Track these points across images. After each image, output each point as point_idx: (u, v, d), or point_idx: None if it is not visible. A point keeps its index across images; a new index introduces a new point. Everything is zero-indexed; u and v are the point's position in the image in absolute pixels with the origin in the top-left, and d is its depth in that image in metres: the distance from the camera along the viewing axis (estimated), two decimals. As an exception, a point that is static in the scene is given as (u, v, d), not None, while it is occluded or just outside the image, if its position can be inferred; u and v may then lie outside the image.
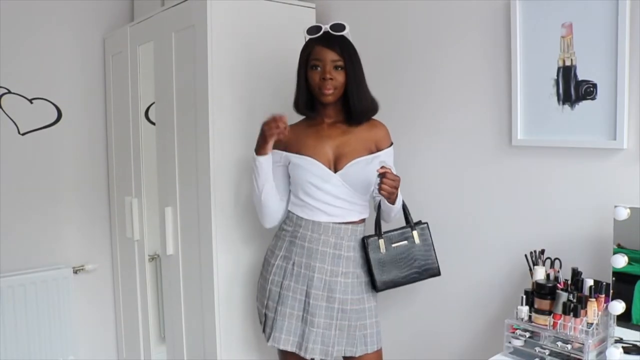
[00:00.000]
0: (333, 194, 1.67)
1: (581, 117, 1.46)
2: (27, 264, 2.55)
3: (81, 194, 2.72)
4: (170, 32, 2.09)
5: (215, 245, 1.95)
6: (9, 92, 2.49)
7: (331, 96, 1.65)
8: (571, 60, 1.47)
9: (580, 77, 1.45)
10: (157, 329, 2.54)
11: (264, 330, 1.77)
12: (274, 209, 1.76)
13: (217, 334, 1.98)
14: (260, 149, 1.67)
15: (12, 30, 2.48)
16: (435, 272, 1.70)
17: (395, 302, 2.02)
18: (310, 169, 1.68)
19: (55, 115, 2.63)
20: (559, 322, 1.31)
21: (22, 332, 2.46)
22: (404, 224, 1.71)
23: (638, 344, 1.27)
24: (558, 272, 1.44)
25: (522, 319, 1.39)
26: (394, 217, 1.72)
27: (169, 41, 2.10)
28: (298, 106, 1.73)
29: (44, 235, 2.62)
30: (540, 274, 1.44)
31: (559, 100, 1.51)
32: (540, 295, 1.37)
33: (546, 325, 1.34)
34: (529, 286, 1.43)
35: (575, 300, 1.32)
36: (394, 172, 1.62)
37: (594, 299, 1.31)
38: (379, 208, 1.69)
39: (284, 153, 1.74)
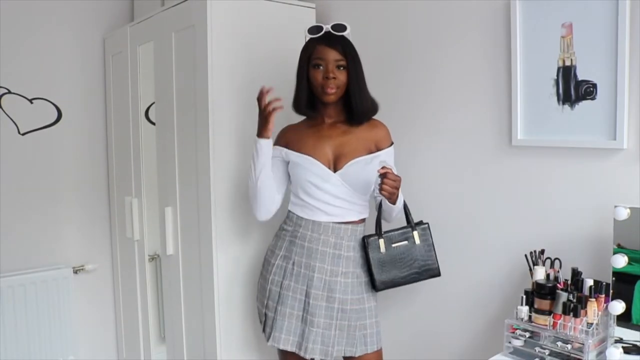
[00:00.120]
0: (332, 194, 1.67)
1: (581, 117, 1.46)
2: (27, 264, 2.55)
3: (81, 194, 2.73)
4: (170, 32, 2.09)
5: (215, 245, 1.95)
6: (9, 92, 2.50)
7: (334, 95, 1.65)
8: (571, 60, 1.47)
9: (580, 77, 1.45)
10: (157, 329, 2.54)
11: (264, 330, 1.77)
12: (268, 197, 1.72)
13: (217, 334, 1.98)
14: (262, 130, 1.66)
15: (12, 30, 2.48)
16: (436, 273, 1.70)
17: (395, 302, 2.02)
18: (310, 168, 1.68)
19: (55, 115, 2.63)
20: (559, 322, 1.31)
21: (22, 332, 2.46)
22: (405, 224, 1.71)
23: (638, 344, 1.27)
24: (558, 272, 1.44)
25: (522, 319, 1.39)
26: (395, 217, 1.72)
27: (169, 41, 2.10)
28: (298, 106, 1.73)
29: (44, 235, 2.62)
30: (540, 274, 1.44)
31: (559, 100, 1.51)
32: (540, 295, 1.37)
33: (546, 325, 1.34)
34: (529, 286, 1.43)
35: (575, 300, 1.32)
36: (395, 172, 1.62)
37: (594, 299, 1.31)
38: (379, 208, 1.69)
39: (285, 149, 1.74)
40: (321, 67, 1.64)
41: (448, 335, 1.88)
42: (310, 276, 1.67)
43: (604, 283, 1.32)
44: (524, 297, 1.41)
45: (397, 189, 1.57)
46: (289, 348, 1.68)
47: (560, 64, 1.49)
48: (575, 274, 1.39)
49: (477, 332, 1.79)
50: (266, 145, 1.68)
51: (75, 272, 2.67)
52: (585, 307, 1.30)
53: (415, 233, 1.69)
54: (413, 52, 1.92)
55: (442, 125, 1.85)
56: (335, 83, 1.63)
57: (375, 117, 1.74)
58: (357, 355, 1.69)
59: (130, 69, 2.45)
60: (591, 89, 1.43)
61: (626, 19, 1.35)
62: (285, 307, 1.68)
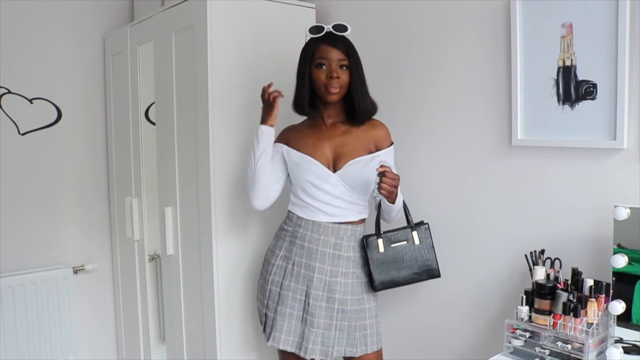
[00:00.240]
0: (332, 194, 1.67)
1: (581, 117, 1.46)
2: (27, 264, 2.55)
3: (81, 194, 2.73)
4: (170, 32, 2.09)
5: (215, 245, 1.95)
6: (9, 92, 2.50)
7: (336, 95, 1.65)
8: (571, 60, 1.47)
9: (580, 77, 1.45)
10: (157, 329, 2.54)
11: (264, 330, 1.77)
12: (267, 183, 1.71)
13: (217, 334, 1.98)
14: (266, 117, 1.68)
15: (13, 30, 2.48)
16: (435, 274, 1.70)
17: (395, 302, 2.02)
18: (309, 168, 1.68)
19: (55, 115, 2.63)
20: (559, 322, 1.31)
21: (22, 332, 2.46)
22: (405, 224, 1.71)
23: (638, 344, 1.27)
24: (558, 272, 1.44)
25: (522, 319, 1.39)
26: (394, 217, 1.71)
27: (169, 41, 2.10)
28: (299, 106, 1.73)
29: (44, 236, 2.62)
30: (540, 274, 1.44)
31: (559, 100, 1.51)
32: (540, 295, 1.37)
33: (546, 325, 1.34)
34: (529, 286, 1.43)
35: (575, 300, 1.32)
36: (394, 171, 1.62)
37: (594, 299, 1.31)
38: (379, 208, 1.69)
39: (285, 147, 1.74)
40: (324, 67, 1.65)
41: (448, 335, 1.88)
42: (310, 276, 1.67)
43: (604, 283, 1.32)
44: (524, 297, 1.41)
45: (396, 187, 1.57)
46: (289, 348, 1.68)
47: (560, 64, 1.49)
48: (576, 274, 1.39)
49: (477, 332, 1.79)
50: (267, 132, 1.68)
51: (75, 272, 2.66)
52: (586, 307, 1.30)
53: (415, 233, 1.69)
54: (413, 52, 1.92)
55: (442, 125, 1.85)
56: (338, 82, 1.64)
57: (375, 117, 1.74)
58: (357, 356, 1.69)
59: (130, 69, 2.45)
60: (591, 89, 1.43)
61: (626, 19, 1.35)
62: (285, 308, 1.68)
